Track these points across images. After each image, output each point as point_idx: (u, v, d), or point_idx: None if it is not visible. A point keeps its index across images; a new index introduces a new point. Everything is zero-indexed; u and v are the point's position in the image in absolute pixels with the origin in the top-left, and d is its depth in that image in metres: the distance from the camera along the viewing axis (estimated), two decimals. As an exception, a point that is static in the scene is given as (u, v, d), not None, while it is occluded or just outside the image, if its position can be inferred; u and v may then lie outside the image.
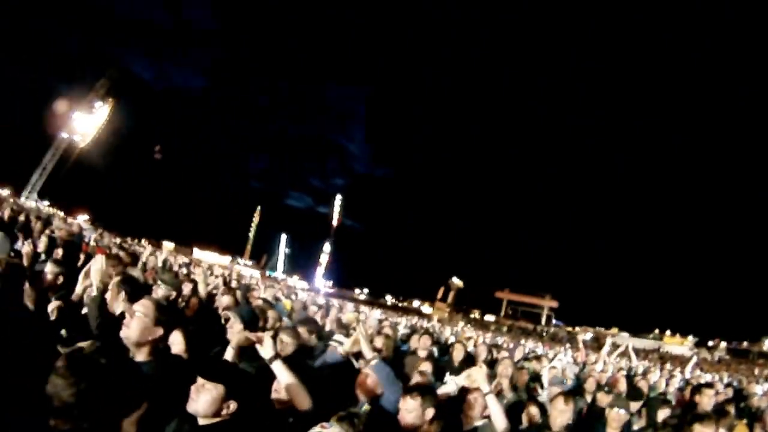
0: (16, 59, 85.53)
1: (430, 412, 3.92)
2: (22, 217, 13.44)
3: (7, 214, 12.29)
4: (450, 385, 4.97)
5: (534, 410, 5.56)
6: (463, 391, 4.78)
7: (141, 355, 3.45)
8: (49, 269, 5.49)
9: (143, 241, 46.37)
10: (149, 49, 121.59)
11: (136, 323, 3.44)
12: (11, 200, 34.99)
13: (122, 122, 70.46)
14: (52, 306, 4.48)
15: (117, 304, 4.50)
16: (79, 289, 4.88)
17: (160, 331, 3.53)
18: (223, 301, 6.99)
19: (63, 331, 3.75)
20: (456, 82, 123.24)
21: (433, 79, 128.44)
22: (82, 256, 7.89)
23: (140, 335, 3.44)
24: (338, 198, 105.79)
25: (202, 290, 6.98)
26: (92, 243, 13.46)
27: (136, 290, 4.66)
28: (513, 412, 5.46)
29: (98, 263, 4.59)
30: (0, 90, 78.58)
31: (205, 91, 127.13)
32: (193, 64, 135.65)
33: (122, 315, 4.14)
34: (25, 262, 6.38)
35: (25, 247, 7.10)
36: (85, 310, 4.60)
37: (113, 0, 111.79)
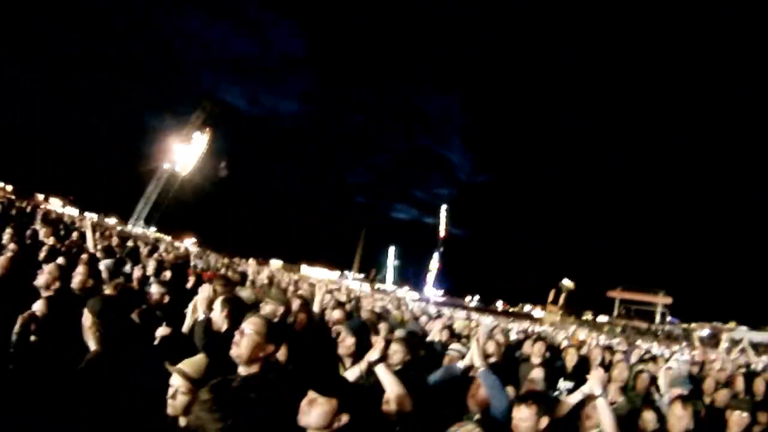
0: (116, 97, 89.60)
1: (545, 421, 3.77)
2: (130, 243, 13.92)
3: (115, 241, 12.74)
4: (576, 395, 4.77)
5: (650, 416, 5.26)
6: (580, 400, 4.59)
7: (251, 371, 3.43)
8: (155, 290, 5.65)
9: (250, 260, 47.38)
10: (242, 79, 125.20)
11: (246, 341, 3.41)
12: (118, 228, 36.43)
13: (221, 150, 72.66)
14: (161, 332, 4.56)
15: (221, 322, 4.56)
16: (189, 320, 4.96)
17: (271, 348, 3.50)
18: (334, 315, 6.97)
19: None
20: (544, 79, 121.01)
21: (523, 79, 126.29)
22: (192, 279, 8.08)
23: (251, 352, 3.41)
24: (444, 208, 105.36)
25: (317, 306, 6.98)
26: (197, 264, 13.80)
27: (239, 309, 4.73)
28: (628, 419, 5.22)
29: (205, 293, 4.69)
30: (103, 128, 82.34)
31: (301, 113, 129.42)
32: (287, 89, 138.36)
33: (227, 332, 4.18)
34: (135, 285, 6.57)
35: (135, 271, 7.33)
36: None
37: (205, 34, 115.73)
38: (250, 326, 3.47)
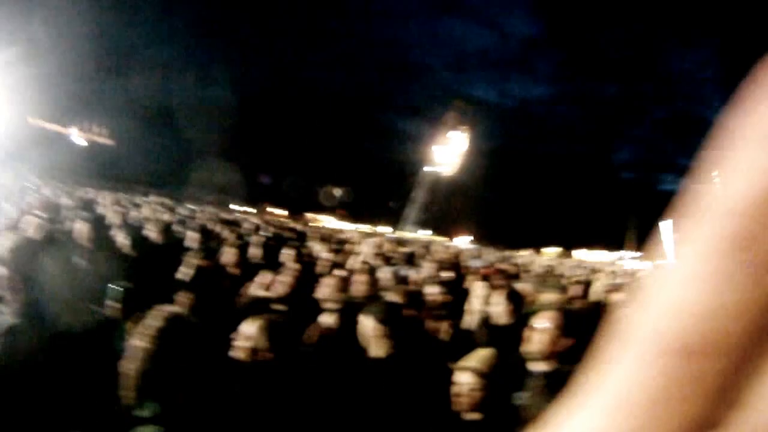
0: (368, 108, 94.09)
1: None
2: (405, 249, 14.29)
3: (390, 247, 13.17)
4: None
5: None
6: None
7: (544, 367, 3.24)
8: (432, 291, 5.64)
9: (524, 251, 47.35)
10: (487, 72, 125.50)
11: (541, 336, 3.23)
12: (391, 235, 38.00)
13: (480, 145, 73.40)
14: (443, 329, 4.53)
15: (502, 316, 4.43)
16: (468, 318, 4.91)
17: (566, 341, 3.28)
18: (613, 300, 6.67)
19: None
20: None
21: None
22: (469, 278, 8.05)
23: (547, 347, 3.22)
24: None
25: (598, 291, 6.67)
26: (474, 264, 13.86)
27: (518, 302, 4.59)
28: None
29: (479, 290, 4.61)
30: (361, 140, 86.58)
31: (552, 96, 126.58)
32: (534, 73, 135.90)
33: (509, 326, 4.03)
34: (415, 289, 6.65)
35: (413, 275, 7.46)
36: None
37: (443, 35, 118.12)
38: (543, 321, 3.28)
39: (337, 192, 76.95)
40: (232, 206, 54.45)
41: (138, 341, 2.21)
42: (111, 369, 2.66)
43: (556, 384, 3.03)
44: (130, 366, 2.20)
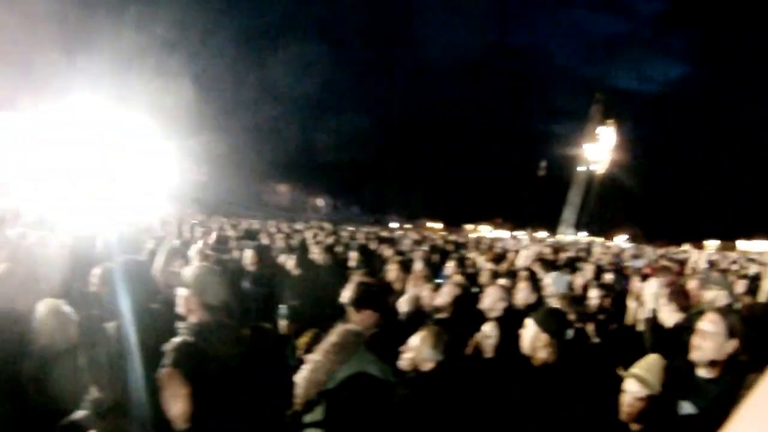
0: (514, 114, 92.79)
1: None
2: (565, 254, 14.08)
3: (548, 251, 13.04)
4: None
5: None
6: None
7: (711, 373, 3.08)
8: (594, 294, 5.55)
9: (685, 245, 44.92)
10: (622, 59, 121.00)
11: (708, 342, 3.08)
12: (549, 240, 37.27)
13: (632, 137, 70.71)
14: (608, 333, 4.47)
15: (669, 317, 4.29)
16: (630, 314, 4.81)
17: (734, 344, 3.11)
18: None
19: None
20: None
21: None
22: (633, 279, 7.83)
23: (715, 353, 3.06)
24: None
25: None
26: (634, 265, 13.40)
27: (685, 301, 4.44)
28: None
29: (652, 287, 4.50)
30: (511, 147, 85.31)
31: (693, 75, 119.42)
32: (669, 54, 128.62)
33: (675, 328, 3.92)
34: (578, 293, 6.55)
35: (576, 279, 7.36)
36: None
37: (575, 27, 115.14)
38: (708, 324, 3.12)
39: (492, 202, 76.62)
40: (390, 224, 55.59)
41: (314, 355, 2.39)
42: (283, 379, 2.88)
43: (723, 393, 2.89)
44: (304, 376, 2.38)
